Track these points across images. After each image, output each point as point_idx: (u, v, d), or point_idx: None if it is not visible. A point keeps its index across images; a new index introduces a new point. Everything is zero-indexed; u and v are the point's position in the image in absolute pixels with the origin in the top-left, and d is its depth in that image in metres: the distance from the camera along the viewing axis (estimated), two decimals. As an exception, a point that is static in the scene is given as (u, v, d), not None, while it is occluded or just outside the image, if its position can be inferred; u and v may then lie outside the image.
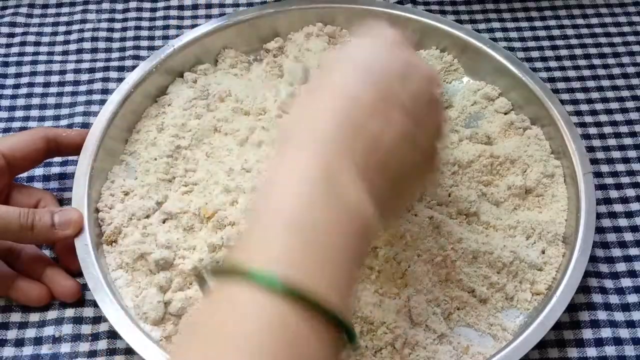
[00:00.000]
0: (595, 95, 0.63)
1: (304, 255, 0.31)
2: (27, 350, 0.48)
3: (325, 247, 0.31)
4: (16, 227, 0.46)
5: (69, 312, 0.50)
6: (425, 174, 0.40)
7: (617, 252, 0.54)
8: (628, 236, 0.54)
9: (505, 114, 0.59)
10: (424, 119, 0.38)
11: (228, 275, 0.31)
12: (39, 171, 0.56)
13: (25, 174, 0.56)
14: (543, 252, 0.51)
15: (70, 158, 0.57)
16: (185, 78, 0.60)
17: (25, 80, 0.63)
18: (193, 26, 0.67)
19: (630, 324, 0.50)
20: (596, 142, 0.60)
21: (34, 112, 0.61)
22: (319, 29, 0.62)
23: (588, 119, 0.61)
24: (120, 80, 0.63)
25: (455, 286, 0.49)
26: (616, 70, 0.65)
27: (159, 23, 0.68)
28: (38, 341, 0.49)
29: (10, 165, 0.50)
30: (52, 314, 0.50)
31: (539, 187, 0.54)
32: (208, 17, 0.68)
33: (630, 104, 0.62)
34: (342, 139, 0.34)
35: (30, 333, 0.49)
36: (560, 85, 0.64)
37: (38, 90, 0.63)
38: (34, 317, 0.50)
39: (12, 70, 0.64)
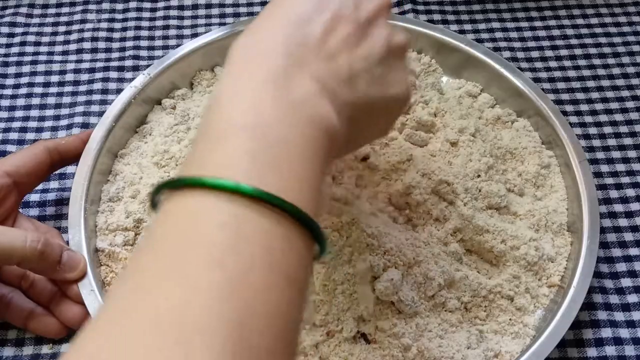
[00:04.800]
0: (595, 95, 0.63)
1: (261, 159, 0.29)
2: (27, 350, 0.48)
3: (281, 147, 0.30)
4: (21, 251, 0.44)
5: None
6: (399, 100, 0.38)
7: (617, 252, 0.54)
8: (628, 236, 0.54)
9: (492, 108, 0.59)
10: (379, 39, 0.37)
11: (188, 189, 0.29)
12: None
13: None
14: (552, 243, 0.52)
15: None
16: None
17: (25, 80, 0.63)
18: (192, 26, 0.68)
19: (630, 324, 0.50)
20: (596, 142, 0.60)
21: (34, 112, 0.61)
22: None
23: (588, 119, 0.61)
24: (120, 80, 0.63)
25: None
26: (616, 70, 0.65)
27: (159, 23, 0.68)
28: (38, 341, 0.49)
29: (17, 184, 0.50)
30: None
31: (538, 179, 0.55)
32: (208, 17, 0.68)
33: (630, 104, 0.62)
34: (292, 52, 0.33)
35: (30, 332, 0.49)
36: (560, 85, 0.64)
37: (38, 90, 0.63)
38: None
39: (12, 70, 0.64)
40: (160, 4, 0.69)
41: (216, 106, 0.32)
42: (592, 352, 0.49)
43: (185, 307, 0.25)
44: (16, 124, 0.60)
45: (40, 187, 0.55)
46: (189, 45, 0.60)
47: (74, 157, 0.53)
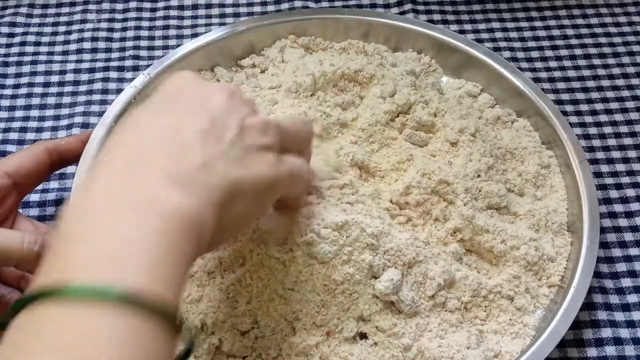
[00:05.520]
0: (595, 95, 0.63)
1: (116, 258, 0.29)
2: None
3: (135, 246, 0.30)
4: (18, 253, 0.43)
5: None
6: (265, 179, 0.38)
7: (617, 252, 0.54)
8: (628, 236, 0.54)
9: (492, 108, 0.59)
10: (231, 122, 0.37)
11: (39, 301, 0.28)
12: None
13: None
14: (552, 243, 0.52)
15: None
16: None
17: (25, 80, 0.63)
18: (193, 26, 0.68)
19: (631, 324, 0.50)
20: (596, 142, 0.60)
21: (34, 112, 0.61)
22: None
23: (588, 119, 0.61)
24: (120, 80, 0.63)
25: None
26: (616, 70, 0.65)
27: (159, 23, 0.68)
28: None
29: (16, 184, 0.49)
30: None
31: (538, 179, 0.55)
32: (208, 17, 0.68)
33: (630, 104, 0.62)
34: (139, 152, 0.34)
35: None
36: (560, 85, 0.64)
37: (38, 90, 0.63)
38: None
39: (12, 70, 0.64)
40: (160, 4, 0.69)
41: (70, 207, 0.33)
42: (592, 352, 0.49)
43: None
44: (16, 124, 0.60)
45: (40, 187, 0.55)
46: (188, 45, 0.60)
47: (73, 158, 0.53)
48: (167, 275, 0.30)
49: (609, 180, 0.58)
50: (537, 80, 0.63)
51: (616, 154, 0.59)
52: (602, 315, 0.50)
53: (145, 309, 0.28)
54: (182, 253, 0.32)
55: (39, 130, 0.60)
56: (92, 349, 0.27)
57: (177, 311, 0.30)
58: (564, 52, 0.66)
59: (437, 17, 0.68)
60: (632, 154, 0.59)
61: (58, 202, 0.56)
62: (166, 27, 0.68)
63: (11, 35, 0.67)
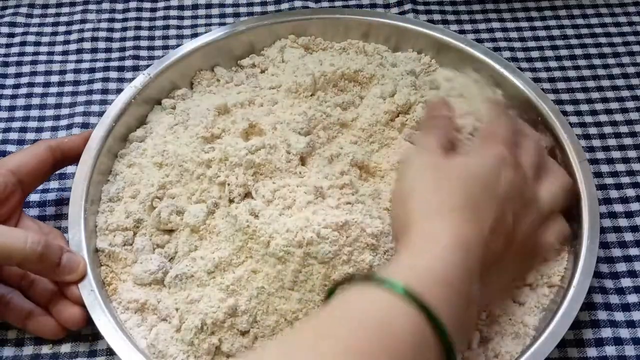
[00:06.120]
0: (595, 95, 0.63)
1: (437, 294, 0.36)
2: (27, 350, 0.48)
3: (454, 300, 0.37)
4: (21, 253, 0.44)
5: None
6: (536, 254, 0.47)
7: (617, 252, 0.54)
8: (628, 236, 0.54)
9: None
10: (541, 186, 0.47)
11: (367, 283, 0.37)
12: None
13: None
14: None
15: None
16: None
17: (25, 80, 0.63)
18: (192, 26, 0.68)
19: (631, 324, 0.50)
20: (596, 142, 0.60)
21: (34, 112, 0.61)
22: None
23: (588, 119, 0.61)
24: (120, 80, 0.63)
25: None
26: (616, 70, 0.65)
27: (159, 23, 0.68)
28: (38, 341, 0.49)
29: (20, 182, 0.49)
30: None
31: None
32: (208, 17, 0.68)
33: (630, 104, 0.62)
34: (471, 211, 0.41)
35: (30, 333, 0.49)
36: (560, 85, 0.64)
37: (38, 90, 0.63)
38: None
39: (12, 70, 0.64)
40: (160, 4, 0.69)
41: (421, 247, 0.40)
42: (592, 352, 0.49)
43: None
44: (16, 124, 0.60)
45: (40, 187, 0.55)
46: (189, 45, 0.60)
47: (76, 157, 0.53)
48: (460, 325, 0.38)
49: (609, 180, 0.58)
50: (537, 80, 0.63)
51: (616, 154, 0.59)
52: (602, 315, 0.50)
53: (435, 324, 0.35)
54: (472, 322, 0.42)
55: (39, 130, 0.60)
56: (390, 327, 0.35)
57: (452, 340, 0.36)
58: (564, 52, 0.66)
59: (437, 17, 0.68)
60: (632, 154, 0.59)
61: (58, 202, 0.56)
62: (166, 27, 0.68)
63: (11, 35, 0.67)
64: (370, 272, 0.38)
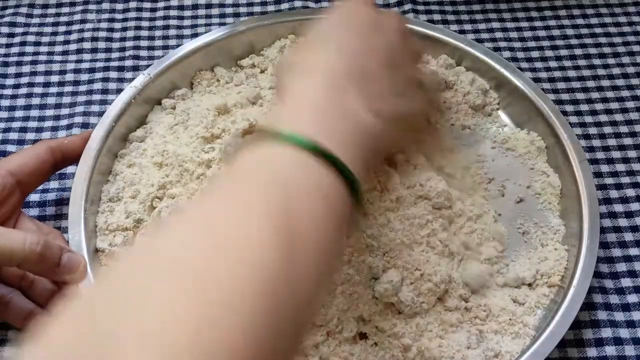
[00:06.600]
0: (595, 95, 0.63)
1: (325, 129, 0.37)
2: (27, 350, 0.48)
3: (341, 127, 0.38)
4: (20, 253, 0.44)
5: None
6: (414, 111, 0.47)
7: (617, 252, 0.54)
8: (628, 236, 0.54)
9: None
10: (402, 61, 0.46)
11: (260, 138, 0.36)
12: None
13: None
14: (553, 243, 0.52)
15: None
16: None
17: (25, 80, 0.63)
18: (192, 26, 0.68)
19: (630, 324, 0.50)
20: (596, 142, 0.60)
21: (34, 112, 0.61)
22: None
23: (588, 119, 0.61)
24: (120, 80, 0.63)
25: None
26: (616, 70, 0.65)
27: (159, 23, 0.68)
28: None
29: (20, 183, 0.49)
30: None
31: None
32: (208, 17, 0.68)
33: (630, 104, 0.62)
34: (340, 68, 0.41)
35: (31, 333, 0.49)
36: (560, 85, 0.64)
37: (38, 90, 0.63)
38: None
39: (12, 70, 0.64)
40: (160, 4, 0.69)
41: (287, 89, 0.41)
42: (592, 352, 0.49)
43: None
44: (16, 124, 0.60)
45: (40, 187, 0.55)
46: (189, 45, 0.60)
47: (76, 157, 0.53)
48: (355, 155, 0.38)
49: (609, 180, 0.58)
50: (537, 80, 0.63)
51: (616, 154, 0.59)
52: (602, 315, 0.50)
53: (340, 172, 0.36)
54: (367, 156, 0.39)
55: (39, 130, 0.60)
56: (296, 178, 0.35)
57: (355, 177, 0.36)
58: (564, 52, 0.66)
59: (437, 17, 0.68)
60: (632, 154, 0.59)
61: (58, 202, 0.55)
62: (166, 27, 0.68)
63: (11, 35, 0.67)
64: (267, 125, 0.37)
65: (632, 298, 0.51)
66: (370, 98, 0.41)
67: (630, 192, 0.57)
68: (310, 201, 0.34)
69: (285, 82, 0.42)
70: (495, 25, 0.68)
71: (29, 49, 0.66)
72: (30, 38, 0.67)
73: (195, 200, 0.36)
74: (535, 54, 0.66)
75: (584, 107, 0.62)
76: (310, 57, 0.43)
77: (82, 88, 0.63)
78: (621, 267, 0.53)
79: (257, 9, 0.69)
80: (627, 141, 0.60)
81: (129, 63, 0.65)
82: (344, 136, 0.38)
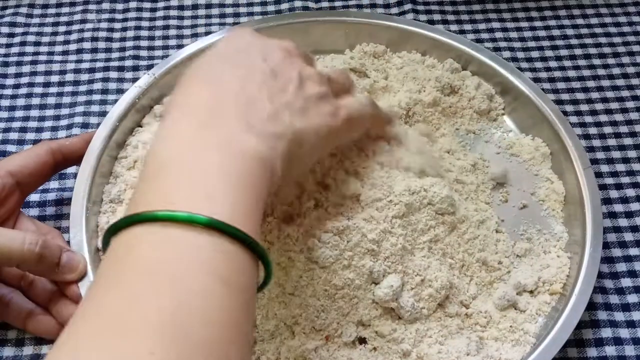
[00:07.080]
0: (595, 95, 0.63)
1: (201, 192, 0.33)
2: (27, 350, 0.48)
3: (215, 179, 0.34)
4: (19, 254, 0.44)
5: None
6: (329, 128, 0.42)
7: (617, 252, 0.54)
8: (628, 236, 0.54)
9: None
10: (290, 77, 0.41)
11: (132, 226, 0.32)
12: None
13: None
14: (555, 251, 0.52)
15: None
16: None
17: (25, 80, 0.63)
18: (193, 27, 0.68)
19: (630, 324, 0.50)
20: (596, 142, 0.60)
21: (34, 112, 0.61)
22: None
23: (588, 119, 0.61)
24: (120, 80, 0.63)
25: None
26: (616, 70, 0.65)
27: (159, 23, 0.68)
28: (38, 341, 0.49)
29: (19, 184, 0.49)
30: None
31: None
32: (208, 17, 0.68)
33: (630, 104, 0.62)
34: (213, 99, 0.38)
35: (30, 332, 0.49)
36: (560, 85, 0.64)
37: (38, 90, 0.63)
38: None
39: (12, 70, 0.64)
40: (160, 4, 0.69)
41: (153, 150, 0.37)
42: (592, 352, 0.49)
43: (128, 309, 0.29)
44: (16, 124, 0.60)
45: (40, 187, 0.55)
46: (192, 46, 0.60)
47: (77, 158, 0.53)
48: (247, 210, 0.34)
49: (609, 180, 0.58)
50: (537, 80, 0.63)
51: (616, 154, 0.59)
52: (602, 315, 0.50)
53: (231, 236, 0.32)
54: (259, 192, 0.35)
55: (39, 130, 0.60)
56: (187, 264, 0.31)
57: (257, 242, 0.33)
58: (564, 52, 0.66)
59: (437, 17, 0.68)
60: (632, 154, 0.59)
61: (58, 202, 0.55)
62: (166, 28, 0.68)
63: (11, 35, 0.67)
64: (136, 210, 0.32)
65: (632, 298, 0.51)
66: (253, 121, 0.37)
67: (630, 192, 0.57)
68: (202, 287, 0.30)
69: (159, 128, 0.38)
70: (495, 25, 0.68)
71: (29, 49, 0.66)
72: (30, 38, 0.67)
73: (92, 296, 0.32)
74: (535, 54, 0.66)
75: (584, 107, 0.62)
76: (182, 94, 0.40)
77: (82, 88, 0.63)
78: (621, 267, 0.53)
79: (257, 9, 0.69)
80: (627, 141, 0.60)
81: (129, 63, 0.65)
82: (223, 185, 0.34)
